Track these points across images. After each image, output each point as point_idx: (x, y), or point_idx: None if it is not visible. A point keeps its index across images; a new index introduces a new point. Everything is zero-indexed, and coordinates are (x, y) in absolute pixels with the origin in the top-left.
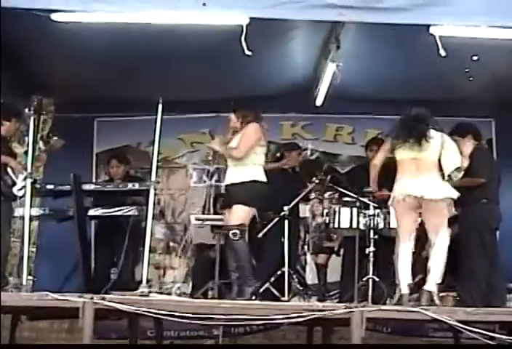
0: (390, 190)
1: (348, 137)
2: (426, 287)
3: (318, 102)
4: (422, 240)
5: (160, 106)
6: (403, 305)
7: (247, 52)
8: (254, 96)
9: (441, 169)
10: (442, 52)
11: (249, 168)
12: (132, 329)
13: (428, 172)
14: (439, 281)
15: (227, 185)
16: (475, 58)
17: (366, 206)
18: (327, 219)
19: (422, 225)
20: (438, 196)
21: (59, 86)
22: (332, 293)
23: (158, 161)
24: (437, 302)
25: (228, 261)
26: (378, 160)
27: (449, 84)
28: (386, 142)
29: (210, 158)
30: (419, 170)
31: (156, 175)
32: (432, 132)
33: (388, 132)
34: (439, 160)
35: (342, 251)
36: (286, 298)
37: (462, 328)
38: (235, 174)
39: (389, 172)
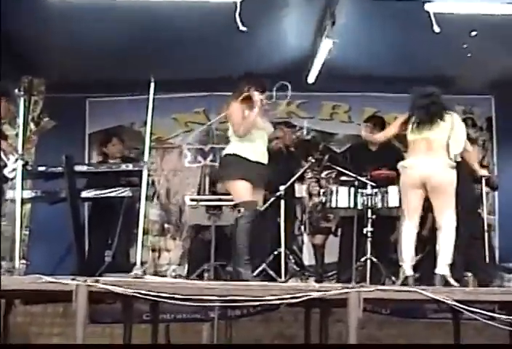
0: (389, 169)
1: (344, 115)
2: (438, 270)
3: (311, 79)
4: (423, 219)
5: (152, 85)
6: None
7: (242, 28)
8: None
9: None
10: (436, 29)
11: None
12: (127, 313)
13: (438, 153)
14: (449, 261)
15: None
16: (473, 34)
17: (364, 186)
18: (324, 198)
19: (424, 204)
20: (446, 178)
21: (49, 66)
22: (329, 274)
23: (151, 142)
24: (454, 283)
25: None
26: (382, 137)
27: (447, 61)
28: (398, 120)
29: None
30: (430, 151)
31: (149, 156)
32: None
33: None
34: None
35: (339, 232)
36: (282, 279)
37: (461, 308)
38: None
39: (387, 151)
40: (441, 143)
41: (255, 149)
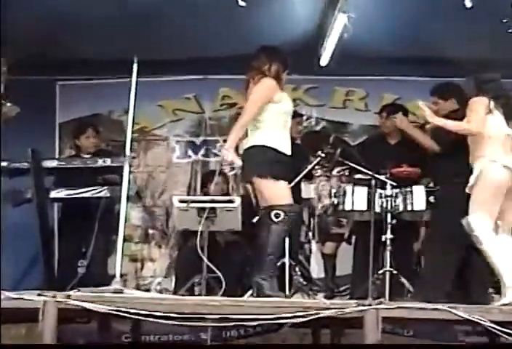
0: (412, 166)
1: (359, 102)
2: None
3: (324, 61)
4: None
5: (135, 67)
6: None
7: (241, 3)
8: (249, 54)
9: None
10: (468, 3)
11: None
12: (103, 334)
13: None
14: None
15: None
16: None
17: (383, 185)
18: (336, 200)
19: None
20: None
21: (12, 43)
22: (341, 288)
23: (133, 133)
24: None
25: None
26: (481, 128)
27: (482, 39)
28: (479, 107)
29: None
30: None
31: (131, 149)
32: None
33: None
34: None
35: (353, 239)
36: (287, 294)
37: (498, 330)
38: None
39: (410, 145)
40: None
41: (286, 139)
